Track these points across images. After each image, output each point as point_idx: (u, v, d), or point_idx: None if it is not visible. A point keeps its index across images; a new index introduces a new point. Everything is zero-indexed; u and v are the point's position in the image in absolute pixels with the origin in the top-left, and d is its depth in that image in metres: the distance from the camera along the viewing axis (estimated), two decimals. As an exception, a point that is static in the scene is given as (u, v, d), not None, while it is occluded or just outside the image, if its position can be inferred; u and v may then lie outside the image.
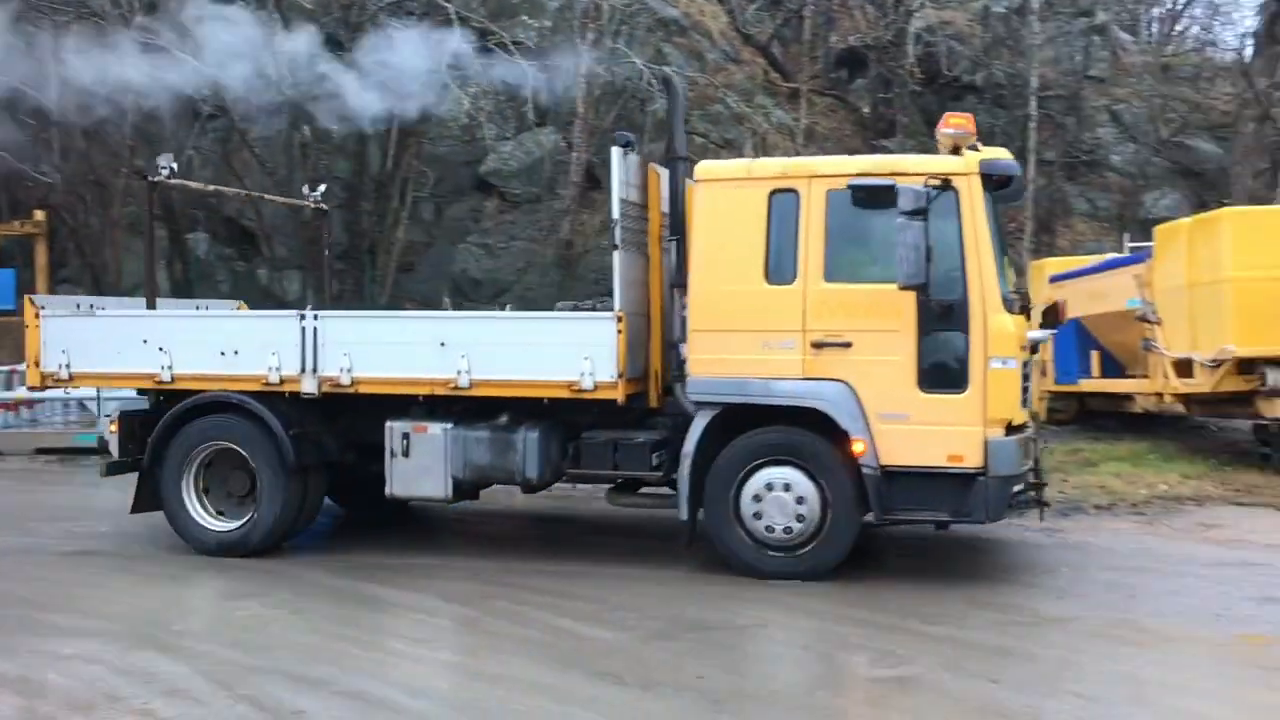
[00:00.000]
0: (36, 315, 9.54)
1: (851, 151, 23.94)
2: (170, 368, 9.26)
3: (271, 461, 9.02)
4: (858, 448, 8.03)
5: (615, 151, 8.56)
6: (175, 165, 11.17)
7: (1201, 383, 11.85)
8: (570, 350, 8.52)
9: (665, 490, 8.84)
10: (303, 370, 9.03)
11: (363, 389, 8.99)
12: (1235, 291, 11.34)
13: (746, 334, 8.28)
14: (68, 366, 9.49)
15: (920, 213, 7.71)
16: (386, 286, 21.87)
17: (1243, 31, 24.32)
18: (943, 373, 8.04)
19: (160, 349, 9.27)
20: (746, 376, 8.25)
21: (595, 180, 21.62)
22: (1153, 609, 7.46)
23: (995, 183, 8.18)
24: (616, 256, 8.53)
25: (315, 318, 9.12)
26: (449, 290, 21.34)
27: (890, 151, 23.50)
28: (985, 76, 24.14)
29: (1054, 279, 14.61)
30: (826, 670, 6.31)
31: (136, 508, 9.47)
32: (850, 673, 6.29)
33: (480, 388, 8.73)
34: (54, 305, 10.25)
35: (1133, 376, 13.71)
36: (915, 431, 8.00)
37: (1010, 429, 8.06)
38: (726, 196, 8.47)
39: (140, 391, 9.80)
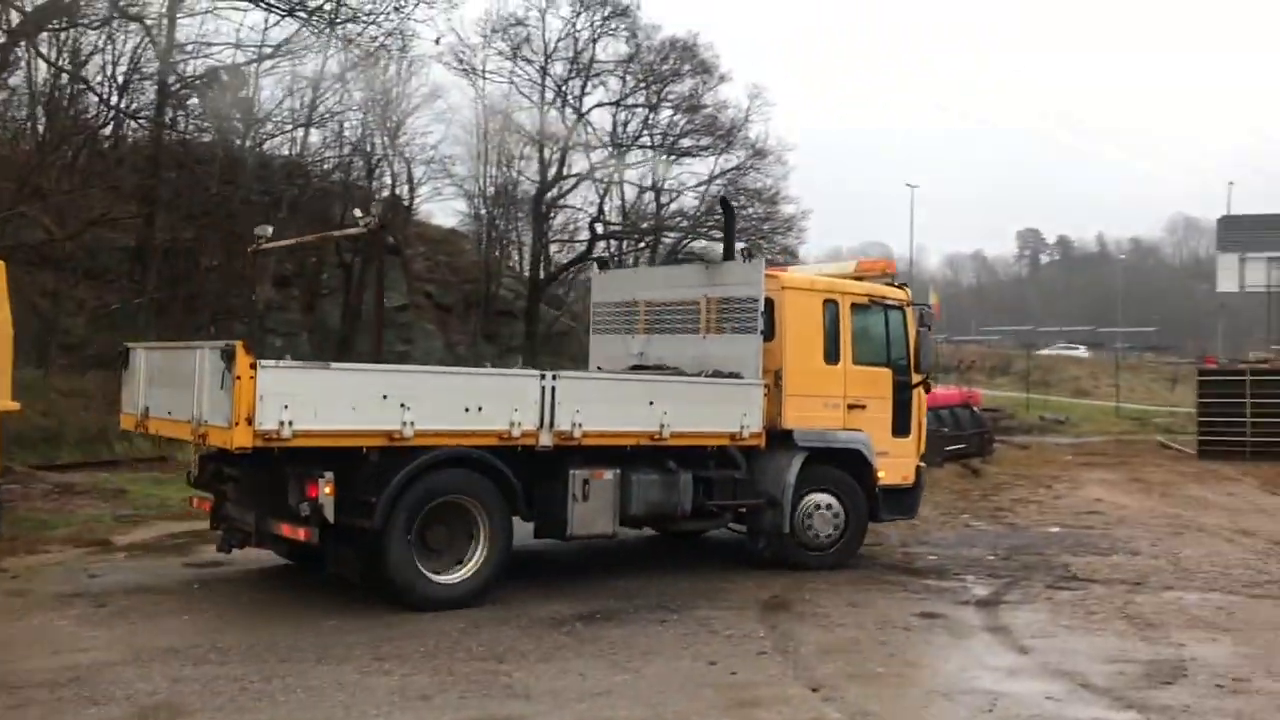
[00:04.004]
0: (252, 366, 8.26)
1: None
2: (413, 424, 8.93)
3: (502, 512, 9.55)
4: (880, 474, 11.98)
5: (761, 261, 11.91)
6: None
7: None
8: (734, 407, 10.98)
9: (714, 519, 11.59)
10: (541, 425, 9.66)
11: (588, 441, 9.95)
12: None
13: (816, 398, 11.70)
14: (290, 424, 8.37)
15: (930, 327, 12.60)
16: None
17: None
18: (902, 424, 12.40)
19: (402, 404, 8.91)
20: (821, 428, 11.67)
21: None
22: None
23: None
24: (759, 340, 11.28)
25: (554, 377, 9.87)
26: None
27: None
28: None
29: None
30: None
31: (354, 576, 9.25)
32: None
33: (674, 438, 10.50)
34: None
35: None
36: (892, 462, 12.22)
37: None
38: (802, 301, 11.80)
39: (261, 451, 8.45)
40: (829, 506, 11.74)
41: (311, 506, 8.61)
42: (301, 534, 8.78)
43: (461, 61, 36.15)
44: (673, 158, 39.62)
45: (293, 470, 8.82)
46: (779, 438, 11.41)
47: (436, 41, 34.61)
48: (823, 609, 9.90)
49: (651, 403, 10.40)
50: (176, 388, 9.38)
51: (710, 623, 9.23)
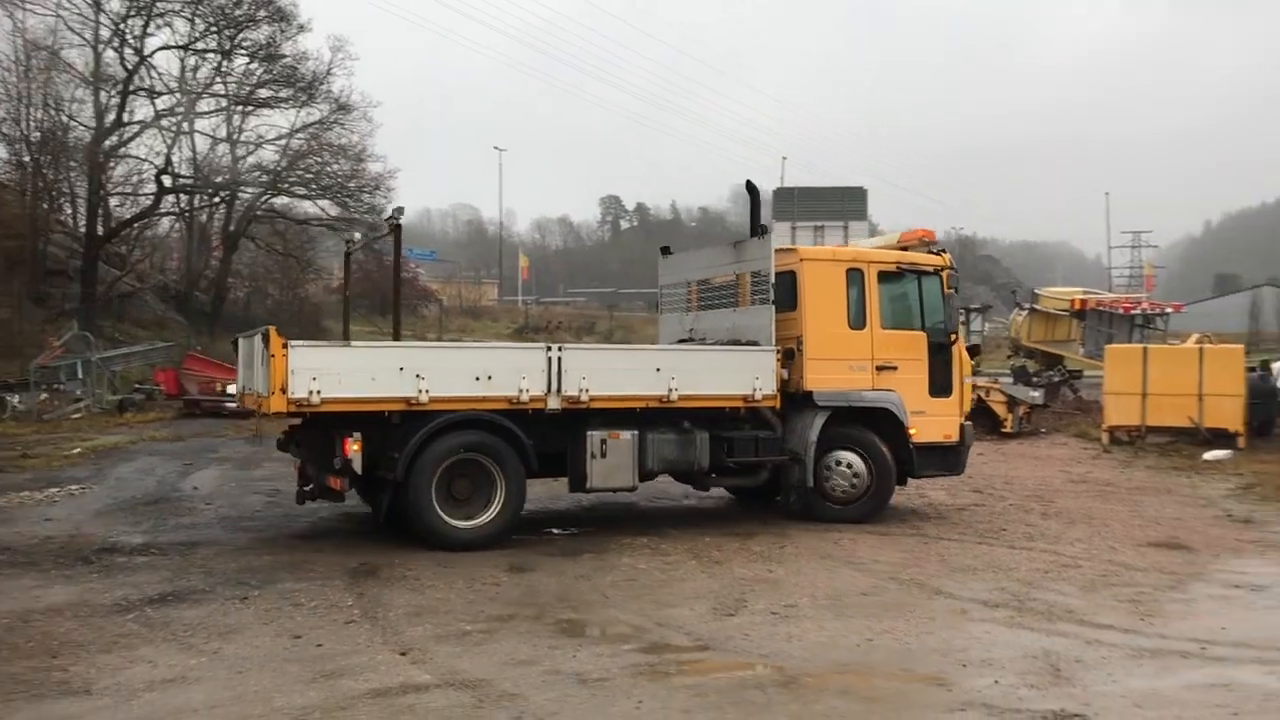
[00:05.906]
0: (283, 345, 9.95)
1: None
2: (427, 391, 10.43)
3: (515, 467, 10.94)
4: (913, 432, 12.64)
5: (770, 238, 12.54)
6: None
7: None
8: (745, 374, 11.97)
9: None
10: (548, 391, 11.03)
11: (595, 404, 11.25)
12: None
13: (839, 361, 12.51)
14: (319, 393, 9.99)
15: (957, 289, 13.44)
16: None
17: None
18: (940, 385, 13.04)
19: (417, 375, 10.41)
20: (844, 389, 12.47)
21: None
22: None
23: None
24: (771, 310, 12.18)
25: (560, 349, 11.26)
26: None
27: None
28: None
29: None
30: None
31: (389, 517, 10.86)
32: None
33: (682, 401, 11.59)
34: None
35: None
36: (929, 421, 12.86)
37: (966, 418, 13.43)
38: (822, 271, 12.63)
39: (301, 416, 10.66)
40: (846, 463, 12.54)
41: (343, 461, 10.26)
42: (337, 484, 10.52)
43: (-5, -12, 31.99)
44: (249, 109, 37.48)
45: (335, 432, 10.34)
46: (803, 399, 12.30)
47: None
48: (412, 572, 9.84)
49: (658, 370, 11.55)
50: (250, 367, 11.16)
51: (294, 595, 8.90)
